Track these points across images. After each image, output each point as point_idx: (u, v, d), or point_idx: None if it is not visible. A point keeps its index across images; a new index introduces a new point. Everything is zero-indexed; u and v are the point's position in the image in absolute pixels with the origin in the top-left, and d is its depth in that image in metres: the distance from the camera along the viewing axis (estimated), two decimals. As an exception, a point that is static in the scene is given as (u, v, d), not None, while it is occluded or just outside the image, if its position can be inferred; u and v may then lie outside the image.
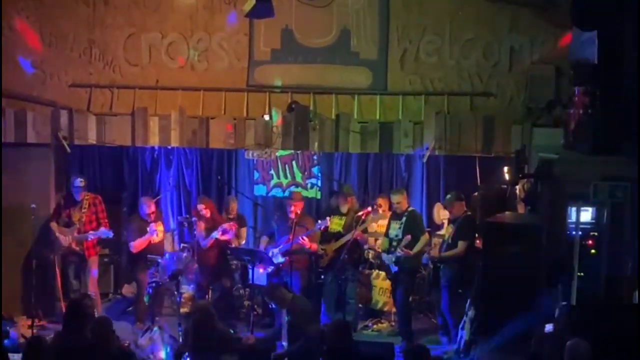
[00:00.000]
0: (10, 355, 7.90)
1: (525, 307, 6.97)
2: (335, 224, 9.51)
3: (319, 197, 11.09)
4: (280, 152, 10.90)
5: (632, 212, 6.95)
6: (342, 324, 7.05)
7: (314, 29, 9.70)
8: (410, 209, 9.30)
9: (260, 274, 9.58)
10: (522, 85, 9.37)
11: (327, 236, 9.49)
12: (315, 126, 9.50)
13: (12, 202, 9.46)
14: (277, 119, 9.51)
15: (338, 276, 9.24)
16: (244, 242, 10.35)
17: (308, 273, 9.44)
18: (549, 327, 6.47)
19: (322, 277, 9.49)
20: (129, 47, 9.87)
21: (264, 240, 9.82)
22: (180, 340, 8.05)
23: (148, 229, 9.40)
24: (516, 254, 7.27)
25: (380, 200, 10.09)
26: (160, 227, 9.66)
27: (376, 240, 9.78)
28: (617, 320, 6.01)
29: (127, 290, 10.59)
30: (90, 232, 9.38)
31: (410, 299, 9.74)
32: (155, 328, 8.63)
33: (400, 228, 9.07)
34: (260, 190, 11.43)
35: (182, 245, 10.51)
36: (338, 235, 9.41)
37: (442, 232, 9.79)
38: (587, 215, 7.32)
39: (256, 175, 11.42)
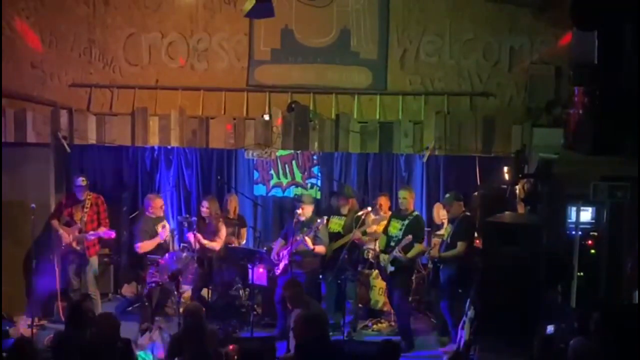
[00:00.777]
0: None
1: (525, 307, 6.97)
2: (335, 224, 9.50)
3: (318, 197, 11.10)
4: (280, 152, 10.91)
5: (632, 212, 6.96)
6: (311, 317, 6.99)
7: (314, 29, 9.69)
8: (416, 213, 9.29)
9: (259, 274, 9.58)
10: (522, 85, 9.37)
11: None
12: (315, 126, 9.50)
13: (12, 201, 9.46)
14: (277, 118, 9.51)
15: (338, 276, 9.23)
16: (244, 242, 10.35)
17: (312, 275, 9.41)
18: (550, 329, 6.47)
19: (322, 277, 9.48)
20: (129, 47, 9.86)
21: (281, 243, 9.62)
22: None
23: (158, 230, 9.44)
24: (516, 254, 7.26)
25: (381, 200, 10.10)
26: (166, 226, 9.72)
27: (375, 240, 9.78)
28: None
29: (127, 290, 10.59)
30: (91, 231, 9.39)
31: (410, 298, 9.77)
32: (155, 328, 8.64)
33: (401, 229, 9.05)
34: (260, 190, 11.45)
35: (181, 245, 10.50)
36: (338, 236, 9.40)
37: (441, 232, 9.79)
38: (586, 215, 7.33)
39: (256, 175, 11.43)
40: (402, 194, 9.24)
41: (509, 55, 9.44)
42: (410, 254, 8.98)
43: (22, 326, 9.10)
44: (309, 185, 11.34)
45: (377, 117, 9.63)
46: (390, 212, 9.69)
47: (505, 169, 9.15)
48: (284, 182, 11.41)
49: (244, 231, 10.38)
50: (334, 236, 9.41)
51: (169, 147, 10.45)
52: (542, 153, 7.93)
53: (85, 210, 9.42)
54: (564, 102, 8.57)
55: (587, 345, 5.74)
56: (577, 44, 7.69)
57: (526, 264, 7.12)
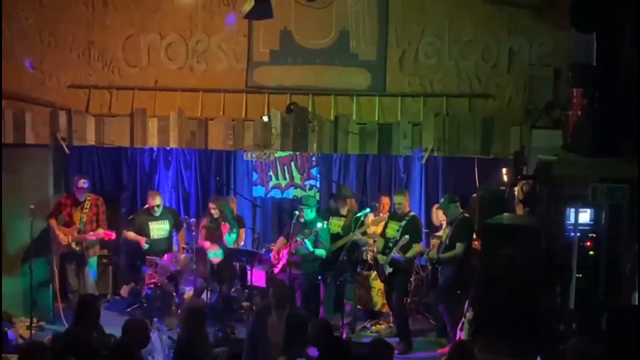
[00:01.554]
0: (9, 356, 7.93)
1: (523, 308, 6.96)
2: (334, 225, 9.51)
3: (317, 198, 11.10)
4: (279, 154, 10.92)
5: (631, 213, 6.96)
6: (324, 323, 7.01)
7: (313, 30, 9.69)
8: (412, 213, 9.31)
9: (258, 275, 9.59)
10: (521, 86, 9.37)
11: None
12: (314, 127, 9.49)
13: (11, 202, 9.45)
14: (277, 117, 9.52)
15: (336, 277, 9.23)
16: (242, 243, 10.35)
17: (311, 276, 9.41)
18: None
19: (321, 278, 9.48)
20: (128, 48, 9.86)
21: (282, 241, 9.60)
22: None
23: (149, 227, 9.55)
24: (515, 256, 7.26)
25: (382, 200, 10.12)
26: (164, 226, 9.75)
27: (374, 241, 9.78)
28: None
29: (126, 291, 10.59)
30: (91, 232, 9.39)
31: (409, 300, 9.78)
32: (154, 329, 8.63)
33: (399, 231, 9.07)
34: (258, 191, 11.45)
35: (180, 246, 10.51)
36: (337, 237, 9.41)
37: (440, 233, 9.79)
38: (585, 216, 7.32)
39: (255, 176, 11.43)
40: (397, 199, 9.27)
41: (508, 57, 9.44)
42: (409, 254, 8.99)
43: (21, 327, 9.09)
44: (307, 186, 11.35)
45: (376, 118, 9.63)
46: (388, 213, 9.71)
47: (504, 170, 9.15)
48: (283, 183, 11.41)
49: (242, 232, 10.39)
50: (333, 237, 9.41)
51: (167, 148, 10.45)
52: (541, 154, 7.90)
53: (84, 211, 9.43)
54: (563, 103, 8.57)
55: (586, 344, 5.74)
56: (576, 46, 7.69)
57: (525, 266, 7.12)
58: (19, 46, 9.79)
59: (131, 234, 9.72)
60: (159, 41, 9.83)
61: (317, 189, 11.27)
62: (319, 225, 9.18)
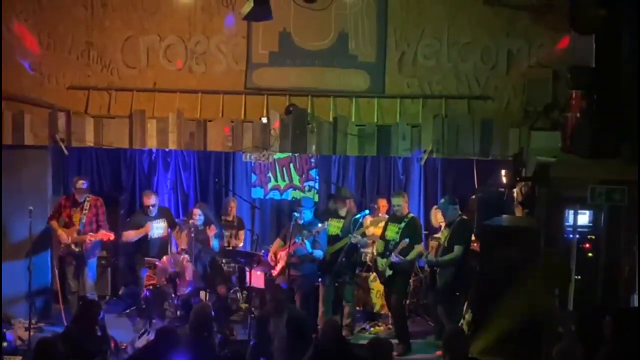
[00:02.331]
0: (8, 357, 7.92)
1: (522, 310, 6.97)
2: (333, 226, 9.51)
3: (316, 199, 11.10)
4: (277, 155, 10.93)
5: (630, 215, 6.97)
6: (333, 323, 7.01)
7: (312, 32, 9.69)
8: (411, 215, 9.31)
9: (257, 276, 9.58)
10: (519, 88, 9.36)
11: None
12: (313, 129, 9.49)
13: (10, 203, 9.45)
14: (275, 121, 9.51)
15: (335, 279, 9.23)
16: (241, 244, 10.36)
17: (310, 278, 9.40)
18: None
19: (320, 280, 9.48)
20: (126, 50, 9.85)
21: (279, 243, 9.61)
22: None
23: (144, 224, 9.56)
24: (513, 257, 7.27)
25: (379, 202, 10.11)
26: (162, 224, 9.76)
27: (374, 242, 9.78)
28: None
29: (125, 292, 10.58)
30: (90, 233, 9.39)
31: (408, 301, 9.77)
32: (153, 331, 8.63)
33: (398, 232, 9.06)
34: (257, 192, 11.45)
35: (179, 247, 10.50)
36: (336, 238, 9.40)
37: (438, 235, 9.79)
38: (584, 218, 7.34)
39: (254, 177, 11.43)
40: (395, 201, 9.26)
41: (506, 59, 9.43)
42: (409, 257, 8.98)
43: (20, 328, 9.09)
44: (306, 188, 11.35)
45: (375, 120, 9.63)
46: (388, 215, 9.71)
47: (503, 172, 9.15)
48: (282, 184, 11.42)
49: (241, 233, 10.40)
50: (332, 239, 9.40)
51: (166, 149, 10.44)
52: (540, 156, 7.92)
53: (84, 212, 9.43)
54: (561, 105, 8.59)
55: (573, 348, 5.75)
56: (575, 48, 7.71)
57: (523, 267, 7.12)
58: (18, 47, 9.78)
59: (131, 233, 9.68)
60: (157, 43, 9.82)
61: (316, 191, 11.27)
62: (319, 225, 9.18)
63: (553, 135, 8.33)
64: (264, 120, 9.56)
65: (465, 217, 8.98)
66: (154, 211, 9.74)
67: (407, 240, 8.91)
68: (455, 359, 5.83)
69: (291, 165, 11.37)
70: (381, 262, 9.14)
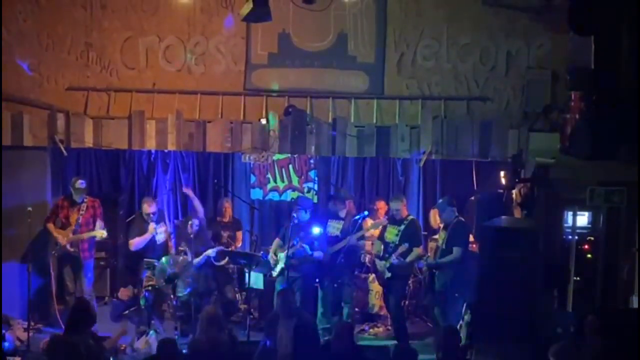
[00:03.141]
0: (8, 358, 7.91)
1: (521, 311, 6.97)
2: (332, 228, 9.50)
3: (315, 200, 11.09)
4: (277, 156, 10.91)
5: (628, 216, 6.97)
6: (348, 326, 7.04)
7: (311, 33, 9.69)
8: (411, 217, 9.30)
9: (256, 277, 9.57)
10: (518, 89, 9.37)
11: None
12: (312, 130, 9.49)
13: (8, 204, 9.44)
14: (274, 124, 9.49)
15: (334, 280, 9.22)
16: (240, 245, 10.35)
17: (309, 279, 9.40)
18: None
19: (318, 281, 9.47)
20: (126, 51, 9.85)
21: (278, 242, 9.59)
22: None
23: (148, 229, 9.46)
24: (512, 259, 7.27)
25: (378, 204, 10.10)
26: (162, 229, 9.71)
27: (372, 244, 9.78)
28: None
29: (124, 293, 10.56)
30: (85, 232, 9.38)
31: (407, 302, 9.77)
32: (152, 331, 8.63)
33: (397, 235, 9.05)
34: (256, 194, 11.44)
35: (178, 248, 10.49)
36: (335, 239, 9.40)
37: (437, 236, 9.79)
38: (583, 219, 7.35)
39: (253, 179, 11.42)
40: (394, 205, 9.24)
41: (505, 60, 9.45)
42: (409, 258, 8.97)
43: (18, 329, 9.07)
44: (305, 189, 11.34)
45: (374, 121, 9.63)
46: (387, 217, 9.70)
47: (502, 173, 9.15)
48: (281, 186, 11.40)
49: (239, 234, 10.38)
50: (331, 240, 9.40)
51: (165, 150, 10.43)
52: (539, 158, 7.93)
53: (81, 212, 9.41)
54: (560, 106, 8.58)
55: (567, 349, 5.75)
56: (574, 49, 7.71)
57: (522, 268, 7.13)
58: (17, 48, 9.77)
59: (138, 240, 9.60)
60: (157, 43, 9.83)
61: (315, 192, 11.27)
62: (318, 228, 9.17)
63: (552, 136, 8.33)
64: (263, 121, 9.56)
65: (462, 218, 8.98)
66: (154, 217, 9.71)
67: (406, 244, 8.90)
68: (449, 358, 5.84)
69: (290, 166, 11.35)
70: (380, 264, 9.13)
